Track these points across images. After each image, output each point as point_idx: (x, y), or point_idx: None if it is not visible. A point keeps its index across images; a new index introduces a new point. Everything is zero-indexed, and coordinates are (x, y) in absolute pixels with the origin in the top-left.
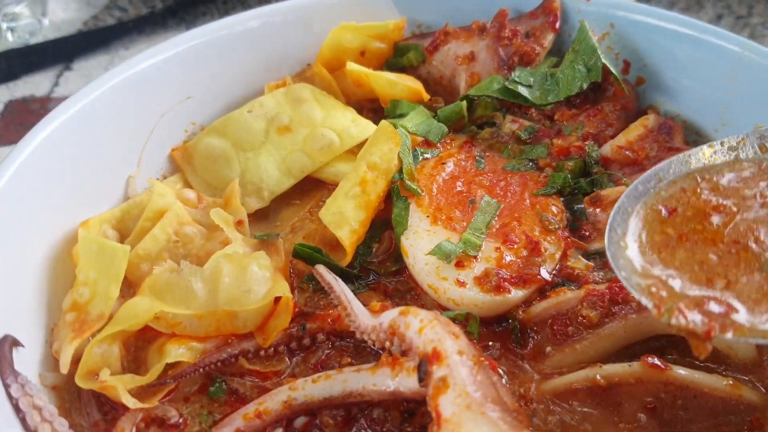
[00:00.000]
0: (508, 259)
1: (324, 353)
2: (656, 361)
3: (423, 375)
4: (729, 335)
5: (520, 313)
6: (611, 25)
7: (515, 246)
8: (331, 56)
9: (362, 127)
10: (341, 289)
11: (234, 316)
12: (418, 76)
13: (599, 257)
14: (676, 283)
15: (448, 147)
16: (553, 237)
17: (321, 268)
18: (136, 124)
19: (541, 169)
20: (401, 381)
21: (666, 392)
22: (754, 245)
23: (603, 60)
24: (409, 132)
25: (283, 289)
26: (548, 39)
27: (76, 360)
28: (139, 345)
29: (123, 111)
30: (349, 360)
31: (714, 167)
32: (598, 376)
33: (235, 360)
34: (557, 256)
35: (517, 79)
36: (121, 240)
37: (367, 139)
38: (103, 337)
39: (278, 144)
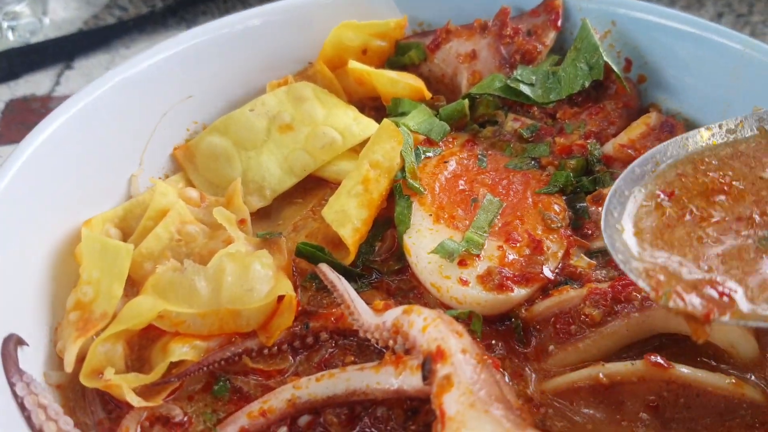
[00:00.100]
0: (510, 257)
1: (327, 352)
2: (659, 359)
3: (427, 373)
4: (727, 318)
5: (523, 311)
6: (613, 23)
7: (518, 244)
8: (332, 54)
9: (364, 125)
10: (344, 287)
11: (237, 314)
12: (420, 74)
13: (602, 256)
14: (674, 267)
15: (450, 145)
16: (555, 235)
17: (324, 267)
18: (138, 123)
19: (543, 168)
20: (405, 379)
21: (669, 391)
22: (752, 230)
23: (605, 58)
24: (411, 130)
25: (286, 287)
26: (550, 37)
27: (80, 359)
28: (143, 344)
29: (125, 110)
30: (353, 358)
31: (712, 150)
32: (600, 375)
33: (238, 358)
34: (560, 254)
35: (519, 78)
36: (124, 239)
37: (369, 138)
38: (107, 336)
39: (280, 142)
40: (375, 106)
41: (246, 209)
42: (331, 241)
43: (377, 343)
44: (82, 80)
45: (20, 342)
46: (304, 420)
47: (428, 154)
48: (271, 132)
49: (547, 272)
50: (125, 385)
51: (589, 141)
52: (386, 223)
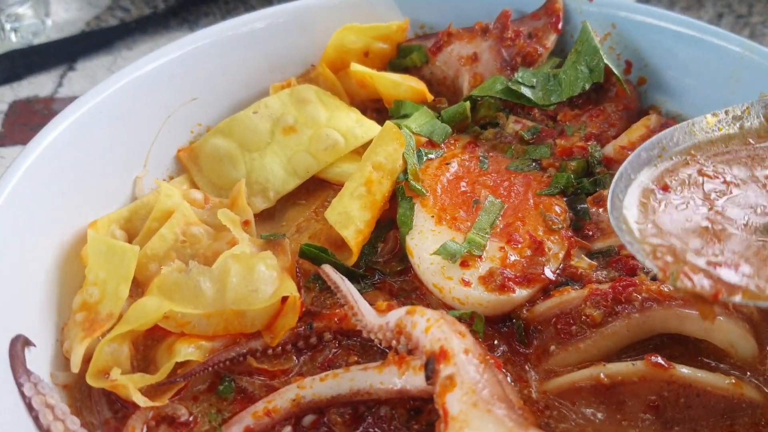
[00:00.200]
0: (512, 258)
1: (331, 352)
2: (660, 359)
3: (430, 373)
4: (738, 298)
5: (525, 312)
6: (613, 26)
7: (519, 246)
8: (335, 57)
9: (366, 127)
10: (347, 288)
11: (242, 315)
12: (422, 76)
13: (602, 257)
14: (681, 249)
15: (452, 147)
16: (556, 237)
17: (327, 268)
18: (143, 125)
19: (544, 170)
20: (408, 379)
21: (669, 391)
22: (759, 213)
23: (605, 60)
24: (413, 132)
25: (290, 288)
26: (551, 40)
27: (86, 359)
28: (149, 344)
29: (130, 112)
30: (356, 359)
31: (718, 138)
32: (601, 375)
33: (243, 359)
34: (561, 255)
35: (520, 80)
36: (129, 240)
37: (371, 140)
38: (113, 337)
39: (283, 144)
40: (377, 108)
41: (250, 211)
42: (334, 242)
43: (380, 344)
44: (85, 81)
45: (27, 343)
46: (308, 419)
47: (430, 155)
48: (274, 134)
49: (549, 273)
50: (131, 385)
51: (589, 143)
52: (389, 225)
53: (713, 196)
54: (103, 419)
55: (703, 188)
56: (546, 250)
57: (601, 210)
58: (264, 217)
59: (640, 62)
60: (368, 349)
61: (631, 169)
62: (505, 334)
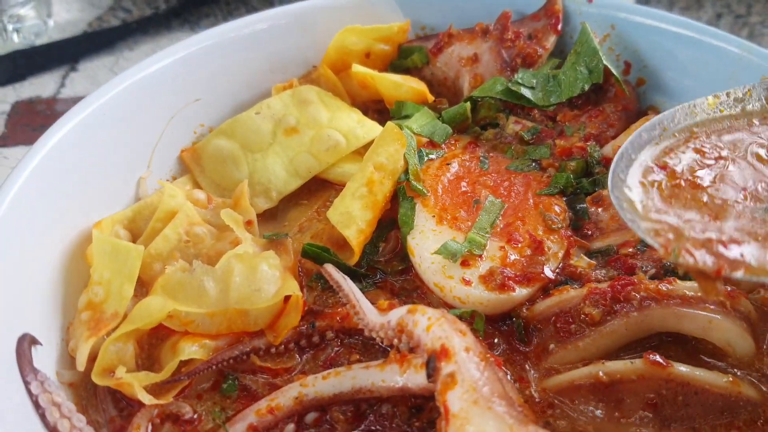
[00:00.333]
0: (512, 257)
1: (333, 350)
2: (658, 358)
3: (431, 371)
4: (740, 274)
5: (524, 311)
6: (612, 27)
7: (519, 245)
8: (336, 58)
9: (368, 128)
10: (349, 287)
11: (245, 314)
12: (423, 77)
13: (601, 256)
14: (683, 227)
15: (453, 148)
16: (556, 236)
17: (329, 267)
18: (146, 126)
19: (544, 170)
20: (409, 377)
21: (667, 389)
22: (761, 190)
23: (604, 62)
24: (414, 133)
25: (293, 287)
26: (550, 41)
27: (92, 358)
28: (153, 343)
29: (133, 114)
30: (358, 357)
31: (720, 118)
32: (600, 373)
33: (246, 357)
34: (560, 254)
35: (519, 81)
36: (133, 240)
37: (372, 140)
38: (118, 336)
39: (285, 145)
40: (378, 109)
41: (252, 211)
42: (336, 241)
43: (382, 342)
44: (87, 82)
45: (34, 341)
46: (311, 417)
47: (431, 156)
48: (276, 135)
49: (548, 272)
50: (136, 384)
51: (588, 143)
52: (390, 225)
53: (714, 172)
54: (109, 417)
55: (704, 165)
56: (546, 249)
57: (600, 210)
58: (266, 217)
59: (639, 63)
60: (370, 348)
61: (632, 149)
62: (505, 332)
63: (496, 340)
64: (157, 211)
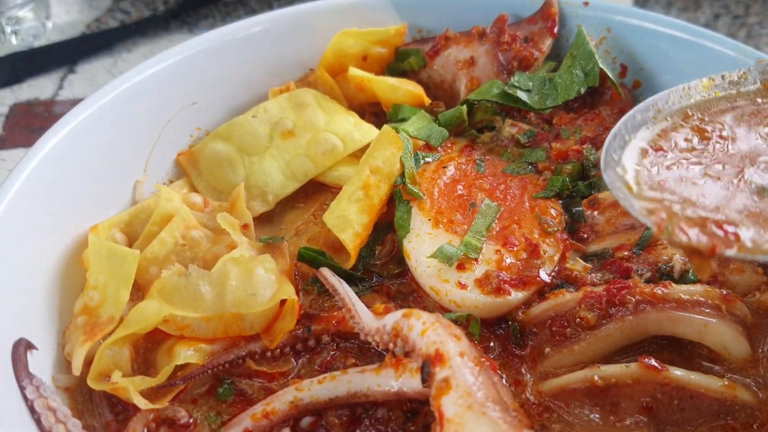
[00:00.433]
0: (508, 261)
1: (329, 354)
2: (653, 361)
3: (426, 376)
4: (733, 252)
5: (520, 314)
6: (608, 30)
7: (515, 248)
8: (333, 61)
9: (365, 131)
10: (345, 291)
11: (241, 318)
12: (419, 80)
13: (597, 259)
14: (677, 207)
15: (449, 151)
16: (551, 239)
17: (325, 271)
18: (143, 129)
19: (540, 173)
20: (405, 382)
21: (663, 392)
22: (757, 169)
23: (600, 65)
24: (410, 136)
25: (289, 291)
26: (547, 44)
27: (87, 362)
28: (149, 347)
29: (130, 117)
30: (354, 361)
31: (714, 100)
32: (595, 377)
33: (242, 361)
34: (556, 258)
35: (516, 84)
36: (129, 243)
37: (369, 143)
38: (114, 340)
39: (282, 148)
40: (375, 112)
41: (249, 214)
42: (332, 245)
43: (378, 346)
44: (86, 84)
45: (30, 346)
46: (306, 421)
47: (427, 159)
48: (273, 138)
49: (544, 275)
50: (132, 388)
51: (584, 146)
52: (386, 228)
53: (709, 152)
54: (105, 421)
55: (699, 145)
56: (541, 252)
57: (596, 213)
58: (263, 220)
59: (635, 66)
60: (366, 352)
61: (625, 130)
62: (500, 336)
63: (491, 344)
64: (153, 215)
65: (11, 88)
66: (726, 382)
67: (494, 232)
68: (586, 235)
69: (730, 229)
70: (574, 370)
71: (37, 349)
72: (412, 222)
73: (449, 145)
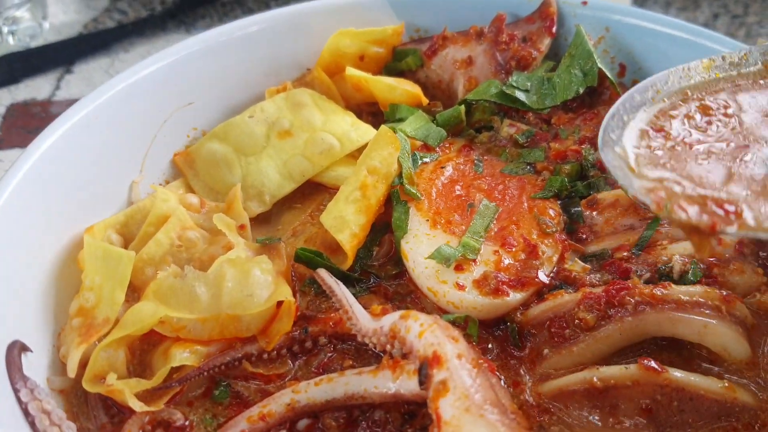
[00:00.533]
0: (506, 262)
1: (326, 356)
2: (653, 363)
3: (423, 378)
4: (733, 229)
5: (519, 315)
6: (607, 29)
7: (513, 249)
8: (330, 61)
9: (362, 131)
10: (342, 292)
11: (237, 319)
12: (417, 80)
13: (596, 260)
14: (677, 187)
15: (447, 151)
16: (550, 240)
17: (322, 272)
18: (139, 130)
19: (538, 173)
20: (402, 383)
21: (662, 394)
22: (758, 146)
23: (599, 64)
24: (408, 136)
25: (285, 293)
26: (545, 43)
27: (83, 364)
28: (145, 349)
29: (126, 117)
30: (351, 362)
31: (714, 80)
32: (594, 378)
33: (238, 363)
34: (554, 258)
35: (514, 84)
36: (125, 244)
37: (366, 143)
38: (110, 342)
39: (279, 148)
40: (372, 112)
41: (246, 215)
42: (329, 246)
43: (375, 348)
44: (83, 84)
45: (24, 348)
46: (303, 424)
47: (425, 159)
48: (270, 138)
49: (542, 276)
50: (127, 390)
51: (583, 146)
52: (384, 229)
53: (710, 131)
54: (100, 424)
55: (699, 124)
56: (540, 253)
57: (595, 213)
58: (260, 220)
59: (634, 65)
60: (363, 353)
61: (623, 110)
62: (499, 337)
63: (490, 345)
64: (149, 216)
65: (8, 89)
66: (726, 384)
67: (492, 233)
68: (584, 236)
69: (731, 208)
70: (573, 371)
71: (31, 351)
72: (410, 223)
73: (447, 145)
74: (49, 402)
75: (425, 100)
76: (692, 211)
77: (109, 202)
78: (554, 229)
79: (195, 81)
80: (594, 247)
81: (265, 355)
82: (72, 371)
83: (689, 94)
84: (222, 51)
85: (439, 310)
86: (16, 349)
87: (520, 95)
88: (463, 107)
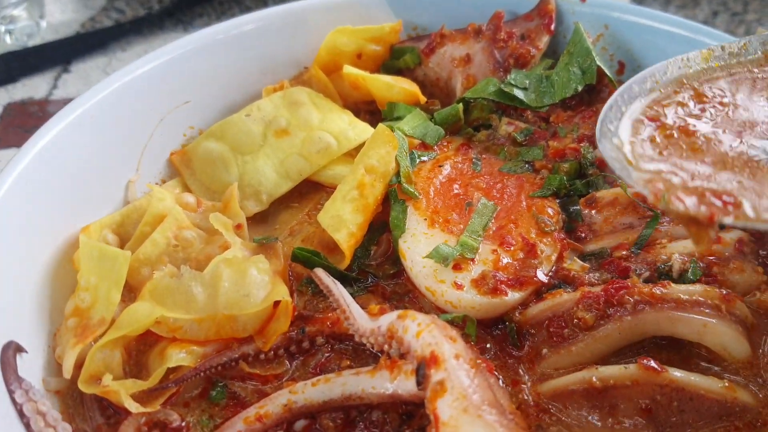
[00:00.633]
0: (504, 261)
1: (323, 356)
2: (652, 363)
3: (421, 378)
4: (731, 219)
5: (517, 315)
6: (605, 27)
7: (512, 248)
8: (327, 59)
9: (359, 129)
10: (340, 292)
11: (234, 320)
12: (415, 78)
13: (595, 259)
14: (674, 177)
15: (445, 149)
16: (549, 239)
17: (319, 272)
18: (135, 128)
19: (537, 171)
20: (400, 384)
21: (662, 394)
22: (754, 135)
23: (597, 62)
24: (406, 135)
25: (282, 292)
26: (543, 41)
27: (78, 365)
28: (141, 349)
29: (122, 116)
30: (348, 363)
31: (713, 70)
32: (594, 378)
33: (235, 364)
34: (553, 257)
35: (512, 82)
36: (122, 244)
37: (364, 142)
38: (105, 342)
39: (276, 147)
40: (370, 110)
41: (242, 214)
42: (326, 245)
43: (373, 348)
44: (80, 83)
45: (19, 349)
46: (300, 425)
47: (423, 158)
48: (267, 137)
49: (541, 276)
50: (123, 391)
51: (582, 144)
52: (381, 228)
53: (708, 118)
54: (96, 425)
55: (695, 113)
56: (538, 252)
57: (593, 212)
58: (257, 220)
59: (633, 63)
60: (361, 353)
61: (621, 101)
62: (497, 337)
63: (488, 345)
64: (145, 215)
65: (5, 88)
66: (726, 384)
67: (491, 232)
68: (583, 235)
69: (729, 199)
70: (572, 371)
71: (26, 352)
72: (408, 222)
73: (445, 143)
74: (44, 403)
75: (423, 99)
76: (690, 202)
77: (105, 201)
78: (553, 228)
79: (191, 79)
80: (593, 246)
81: (262, 356)
82: (68, 372)
83: (684, 82)
84: (219, 49)
85: (437, 310)
86: (11, 349)
87: (519, 93)
88: (461, 105)
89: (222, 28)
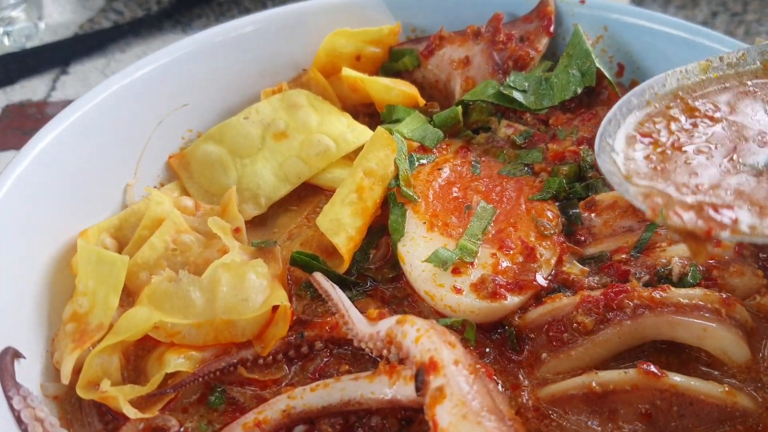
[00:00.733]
0: (504, 265)
1: (322, 361)
2: (652, 367)
3: (420, 384)
4: (727, 234)
5: (516, 319)
6: (605, 28)
7: (511, 252)
8: (326, 61)
9: (358, 132)
10: (338, 296)
11: (232, 324)
12: (414, 80)
13: (594, 262)
14: (672, 192)
15: (444, 152)
16: (548, 242)
17: (318, 276)
18: (133, 132)
19: (536, 174)
20: (399, 389)
21: (662, 399)
22: (750, 149)
23: (597, 64)
24: (405, 137)
25: (281, 297)
26: (542, 43)
27: (76, 370)
28: (139, 354)
29: (120, 119)
30: (347, 367)
31: (711, 81)
32: (593, 383)
33: (234, 369)
34: (553, 261)
35: (511, 84)
36: (120, 248)
37: (363, 145)
38: (103, 348)
39: (275, 150)
40: (369, 113)
41: (241, 218)
42: (325, 249)
43: (371, 353)
44: (78, 85)
45: (17, 355)
46: (299, 430)
47: (422, 161)
48: (265, 139)
49: (540, 279)
50: (121, 397)
51: (581, 147)
52: (380, 231)
53: (700, 132)
54: (94, 431)
55: (688, 126)
56: (538, 256)
57: (593, 215)
58: (255, 223)
59: (633, 65)
60: (360, 358)
61: (620, 115)
62: (497, 341)
63: (487, 349)
64: (143, 219)
65: (3, 90)
66: (726, 388)
67: (490, 236)
68: (583, 238)
69: (727, 212)
70: (572, 375)
71: (24, 357)
72: (407, 225)
73: (444, 146)
74: (42, 409)
75: (422, 101)
76: (687, 217)
77: (103, 205)
78: (552, 231)
79: (190, 82)
80: (592, 250)
81: (261, 361)
82: (66, 377)
83: (680, 95)
84: (217, 52)
85: (437, 314)
86: (9, 355)
87: (518, 96)
88: (460, 108)
89: (221, 30)
